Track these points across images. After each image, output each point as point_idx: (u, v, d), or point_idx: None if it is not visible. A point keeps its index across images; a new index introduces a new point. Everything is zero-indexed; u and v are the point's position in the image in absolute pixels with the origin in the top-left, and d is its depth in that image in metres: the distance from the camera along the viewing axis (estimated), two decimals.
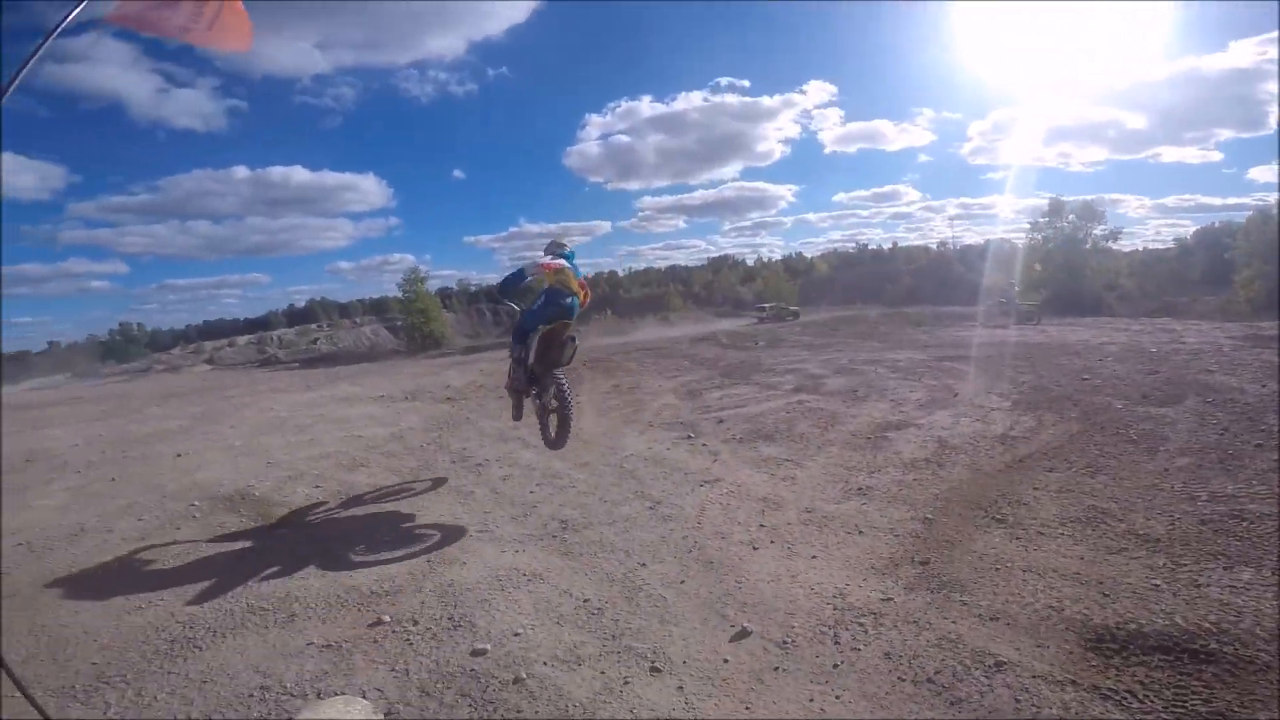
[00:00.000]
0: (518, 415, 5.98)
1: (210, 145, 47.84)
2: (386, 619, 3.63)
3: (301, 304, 49.59)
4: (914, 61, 63.60)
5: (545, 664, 3.19)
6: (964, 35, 53.75)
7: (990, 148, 51.20)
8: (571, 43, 60.62)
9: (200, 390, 16.22)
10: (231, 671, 3.21)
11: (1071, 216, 25.72)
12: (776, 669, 3.12)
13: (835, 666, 3.11)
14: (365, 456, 7.12)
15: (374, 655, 3.31)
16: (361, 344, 32.62)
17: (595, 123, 56.47)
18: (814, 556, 4.24)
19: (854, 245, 51.16)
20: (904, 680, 2.97)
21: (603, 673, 3.12)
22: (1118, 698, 2.73)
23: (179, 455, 7.63)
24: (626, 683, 3.03)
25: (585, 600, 3.80)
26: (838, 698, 2.90)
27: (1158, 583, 3.53)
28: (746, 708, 2.88)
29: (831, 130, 60.80)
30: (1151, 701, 2.69)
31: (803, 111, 64.47)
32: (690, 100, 56.63)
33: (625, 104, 58.43)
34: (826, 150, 57.92)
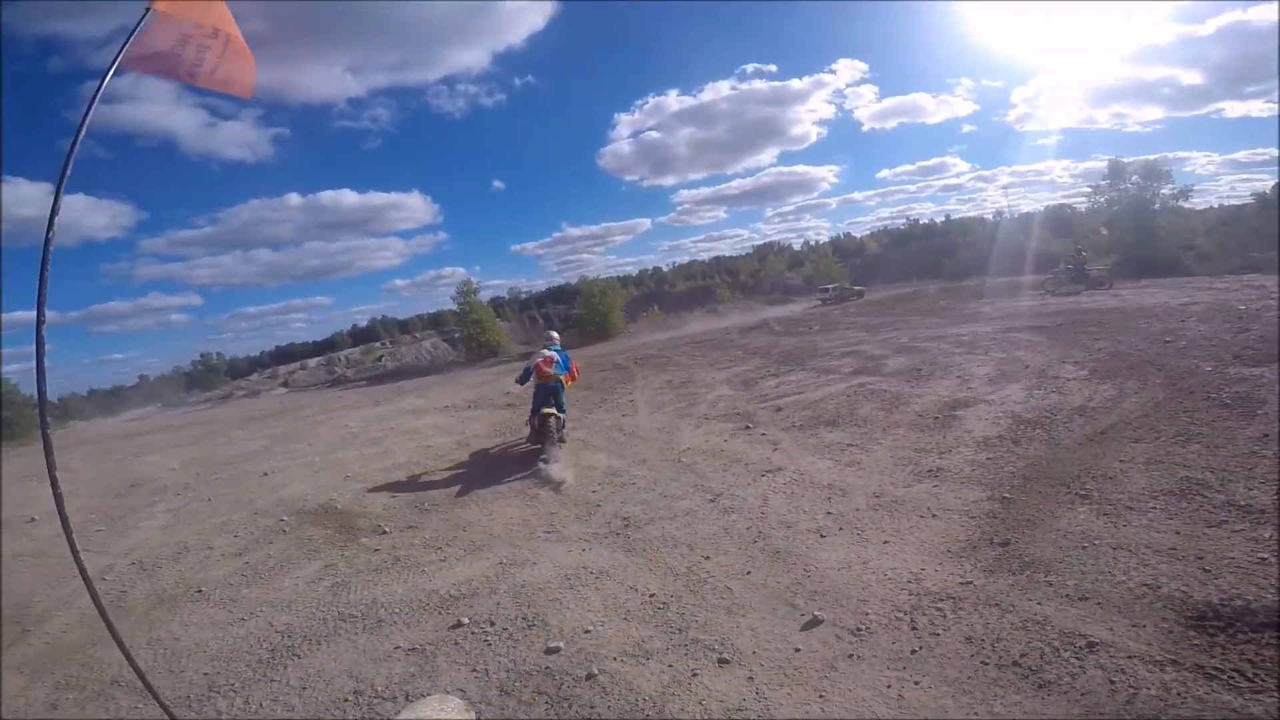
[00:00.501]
0: (534, 440, 7.30)
1: (261, 174, 51.03)
2: (465, 621, 3.75)
3: (364, 323, 52.24)
4: (944, 31, 61.55)
5: (615, 659, 3.23)
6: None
7: (1036, 114, 48.72)
8: (592, 44, 61.33)
9: (278, 412, 17.21)
10: (327, 677, 3.40)
11: (1135, 177, 24.08)
12: (851, 656, 3.06)
13: (913, 652, 3.02)
14: (434, 464, 7.38)
15: (456, 657, 3.43)
16: (423, 358, 33.78)
17: (625, 121, 56.86)
18: (885, 542, 4.13)
19: (904, 221, 49.59)
20: (987, 664, 2.86)
21: (670, 666, 3.13)
22: (1224, 677, 2.54)
23: (265, 474, 8.14)
24: (695, 675, 3.04)
25: (651, 595, 3.83)
26: (917, 683, 2.81)
27: (1264, 556, 3.26)
28: (820, 695, 2.83)
29: (867, 107, 59.68)
30: (1263, 680, 2.49)
31: (835, 91, 63.30)
32: (718, 90, 56.34)
33: (653, 100, 58.73)
34: (865, 128, 56.57)
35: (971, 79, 59.26)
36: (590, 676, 3.11)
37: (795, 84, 57.31)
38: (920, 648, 3.04)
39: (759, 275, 47.47)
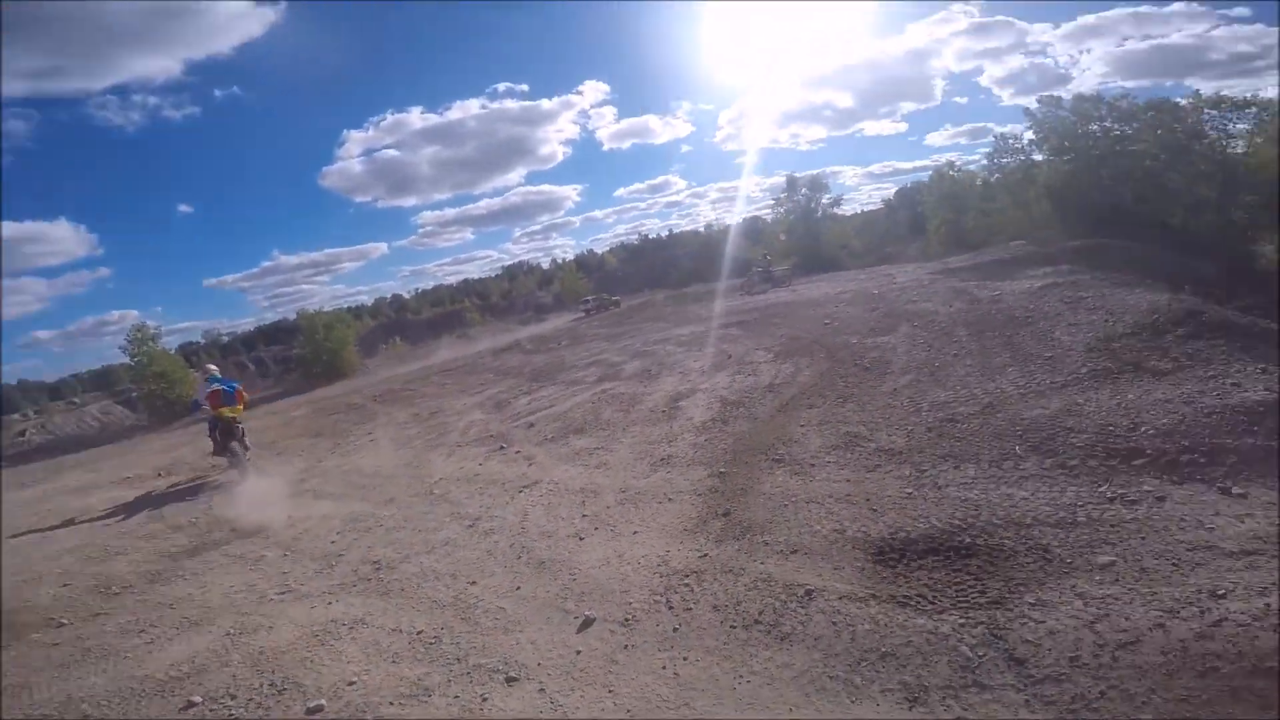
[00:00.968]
0: (219, 450, 7.67)
1: None
2: (198, 700, 3.17)
3: None
4: (673, 56, 68.75)
5: (393, 704, 2.99)
6: (712, 29, 59.54)
7: (738, 135, 57.48)
8: (321, 56, 54.99)
9: None
10: None
11: (804, 190, 29.98)
12: (627, 647, 3.21)
13: (675, 630, 3.28)
14: (125, 544, 5.84)
15: None
16: (88, 427, 26.10)
17: (357, 139, 52.15)
18: (635, 532, 4.41)
19: (637, 236, 53.91)
20: (735, 627, 3.22)
21: (457, 697, 2.99)
22: (914, 604, 3.13)
23: None
24: (485, 699, 2.94)
25: (419, 632, 3.59)
26: (685, 659, 3.05)
27: (910, 490, 4.20)
28: (610, 691, 2.92)
29: (608, 128, 63.48)
30: (941, 601, 3.11)
31: (580, 111, 66.52)
32: (467, 108, 55.01)
33: (392, 117, 54.82)
34: (605, 148, 60.47)
35: (691, 101, 67.03)
36: None
37: (545, 104, 58.58)
38: (680, 625, 3.31)
39: (510, 295, 47.21)
